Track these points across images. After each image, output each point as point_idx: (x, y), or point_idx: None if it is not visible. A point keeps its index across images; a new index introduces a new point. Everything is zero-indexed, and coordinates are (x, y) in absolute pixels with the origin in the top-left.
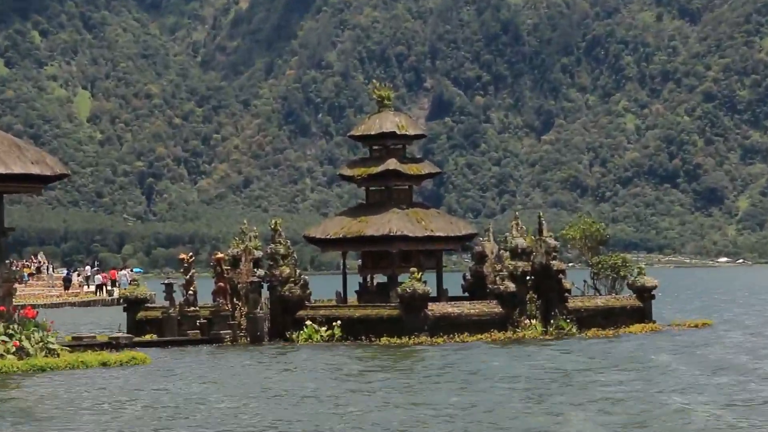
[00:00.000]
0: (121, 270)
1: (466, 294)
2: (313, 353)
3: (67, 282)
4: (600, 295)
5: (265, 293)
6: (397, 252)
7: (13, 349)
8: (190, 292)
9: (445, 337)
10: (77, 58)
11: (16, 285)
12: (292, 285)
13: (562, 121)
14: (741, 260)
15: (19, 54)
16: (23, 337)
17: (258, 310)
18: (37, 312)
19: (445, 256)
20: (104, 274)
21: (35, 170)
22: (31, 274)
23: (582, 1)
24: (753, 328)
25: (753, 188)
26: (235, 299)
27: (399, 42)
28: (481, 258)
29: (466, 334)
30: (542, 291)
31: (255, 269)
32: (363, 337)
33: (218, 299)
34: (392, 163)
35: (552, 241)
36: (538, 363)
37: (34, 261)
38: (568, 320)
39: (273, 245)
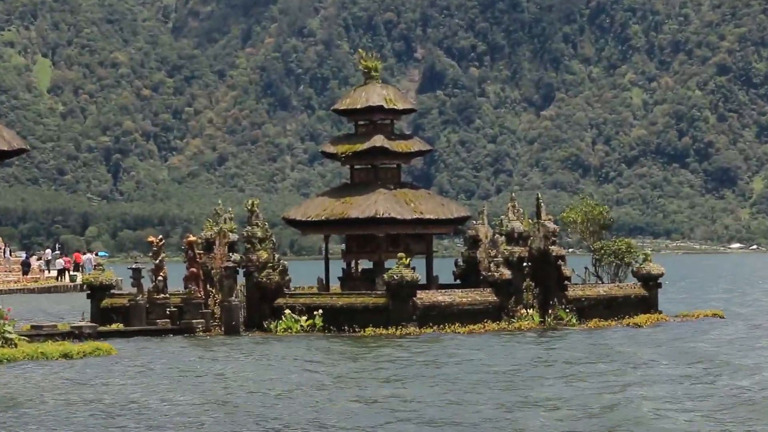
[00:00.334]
0: (84, 254)
1: (458, 281)
2: (288, 345)
3: (25, 266)
4: (602, 283)
5: (240, 279)
6: (384, 236)
7: None
8: (160, 278)
9: (435, 327)
10: (37, 22)
11: None
12: (270, 271)
13: (564, 95)
14: (755, 246)
15: None
16: None
17: (233, 297)
18: None
19: (435, 240)
20: (66, 258)
21: None
22: None
23: None
24: (762, 318)
25: None
26: (208, 286)
27: (387, 8)
28: (474, 243)
29: (457, 324)
30: (540, 278)
31: (230, 253)
32: (346, 328)
33: (190, 286)
34: (379, 140)
35: (551, 225)
36: (509, 354)
37: None
38: (568, 310)
39: (249, 228)
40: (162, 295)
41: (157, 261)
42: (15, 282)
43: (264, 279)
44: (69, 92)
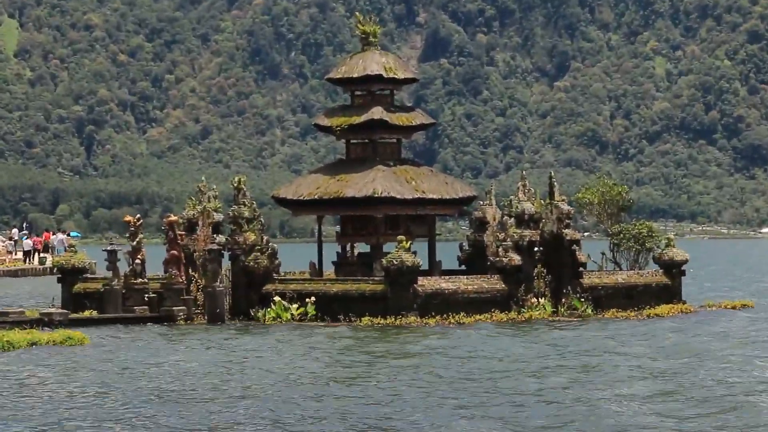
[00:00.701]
0: (55, 233)
1: (463, 267)
2: (264, 336)
3: None
4: (621, 270)
5: (226, 263)
6: (383, 217)
7: None
8: (137, 261)
9: (437, 317)
10: None
11: None
12: (258, 254)
13: (579, 64)
14: None
15: None
16: None
17: (217, 283)
18: None
19: (438, 222)
20: (36, 238)
21: None
22: None
23: None
24: None
25: None
26: (190, 270)
27: None
28: (481, 225)
29: (462, 314)
30: (552, 265)
31: (214, 235)
32: (341, 317)
33: (170, 270)
34: (378, 112)
35: (565, 207)
36: (479, 347)
37: None
38: (583, 299)
39: (236, 207)
40: (140, 280)
41: (135, 243)
42: None
43: (251, 263)
44: (38, 57)
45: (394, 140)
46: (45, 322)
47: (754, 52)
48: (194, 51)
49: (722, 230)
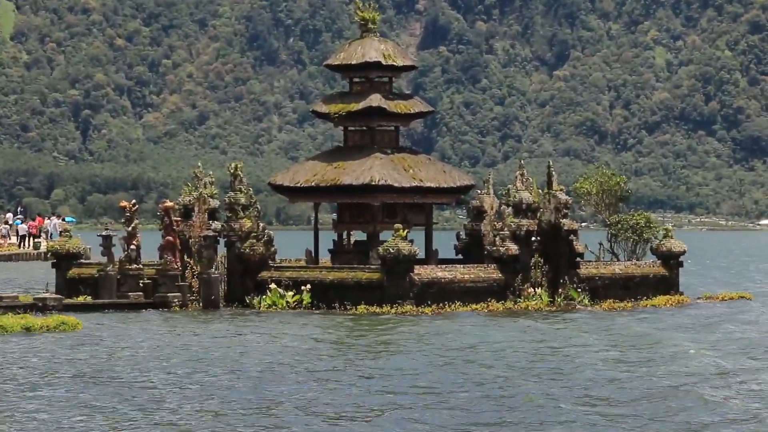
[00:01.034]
0: (49, 218)
1: (460, 256)
2: (244, 323)
3: None
4: (618, 260)
5: (221, 250)
6: (380, 205)
7: None
8: (132, 246)
9: (434, 306)
10: None
11: None
12: (254, 241)
13: (579, 53)
14: None
15: None
16: None
17: (213, 269)
18: None
19: (435, 211)
20: (31, 223)
21: None
22: None
23: None
24: None
25: None
26: (185, 256)
27: None
28: (478, 214)
29: (458, 303)
30: (550, 255)
31: (210, 221)
32: (337, 305)
33: (166, 256)
34: (376, 99)
35: (563, 196)
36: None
37: None
38: (580, 290)
39: (232, 193)
40: (135, 266)
41: (130, 228)
42: None
43: (247, 250)
44: (34, 40)
45: (392, 128)
46: (39, 307)
47: (755, 42)
48: (192, 36)
49: (720, 222)
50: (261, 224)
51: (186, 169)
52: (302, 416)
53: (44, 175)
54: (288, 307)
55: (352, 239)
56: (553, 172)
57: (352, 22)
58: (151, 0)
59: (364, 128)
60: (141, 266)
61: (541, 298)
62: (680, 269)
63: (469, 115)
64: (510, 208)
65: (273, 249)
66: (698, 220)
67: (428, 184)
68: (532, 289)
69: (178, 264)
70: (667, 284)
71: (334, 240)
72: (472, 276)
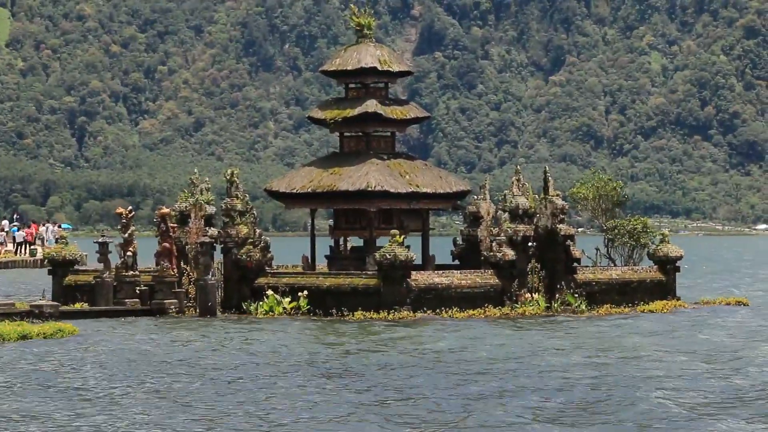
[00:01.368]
0: (43, 224)
1: (457, 262)
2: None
3: None
4: (615, 266)
5: (218, 256)
6: (376, 211)
7: None
8: (129, 253)
9: (430, 312)
10: None
11: None
12: (251, 247)
13: (575, 58)
14: None
15: None
16: None
17: (209, 276)
18: None
19: (432, 216)
20: (28, 230)
21: None
22: None
23: None
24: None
25: None
26: (182, 263)
27: None
28: (475, 220)
29: (455, 309)
30: (546, 260)
31: (206, 228)
32: (334, 311)
33: (162, 262)
34: (372, 105)
35: (559, 202)
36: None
37: None
38: (577, 295)
39: (228, 200)
40: (131, 273)
41: (126, 235)
42: None
43: (244, 256)
44: (30, 47)
45: (388, 134)
46: (35, 314)
47: (751, 47)
48: (187, 42)
49: (717, 227)
50: (257, 230)
51: (182, 175)
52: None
53: (40, 182)
54: (285, 313)
55: (349, 245)
56: (550, 178)
57: (347, 28)
58: (146, 6)
59: (360, 134)
60: (137, 273)
61: (538, 304)
62: (677, 274)
63: (465, 121)
64: (506, 214)
65: (269, 255)
66: (695, 225)
67: (425, 190)
68: (529, 295)
69: (175, 270)
70: (663, 289)
71: (330, 246)
72: (469, 282)
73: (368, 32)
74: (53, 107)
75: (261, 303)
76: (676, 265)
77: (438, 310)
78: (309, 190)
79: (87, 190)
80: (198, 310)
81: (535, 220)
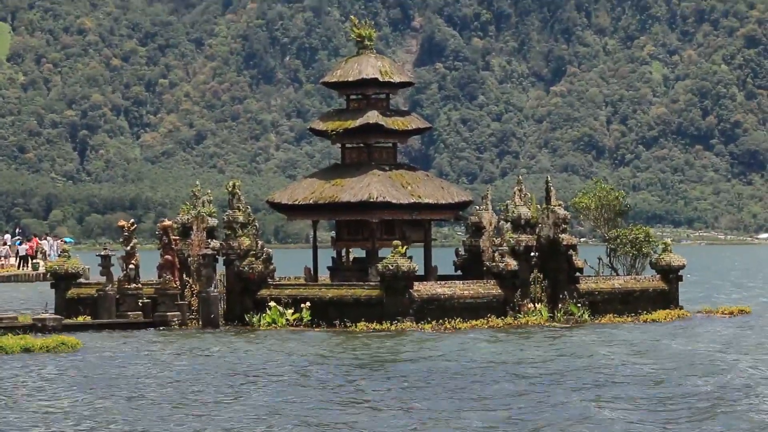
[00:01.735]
0: (44, 238)
1: (459, 272)
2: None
3: None
4: (617, 275)
5: (220, 268)
6: (378, 222)
7: None
8: (131, 266)
9: (433, 322)
10: None
11: None
12: (253, 259)
13: (576, 69)
14: None
15: None
16: None
17: (212, 288)
18: None
19: (434, 227)
20: (29, 244)
21: None
22: None
23: None
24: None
25: None
26: (184, 275)
27: None
28: (477, 230)
29: (458, 319)
30: (549, 270)
31: (209, 240)
32: (336, 322)
33: (164, 275)
34: (373, 116)
35: (561, 212)
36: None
37: None
38: (579, 305)
39: (230, 212)
40: (134, 285)
41: (129, 248)
42: None
43: (246, 268)
44: (30, 61)
45: (390, 145)
46: (38, 327)
47: (752, 56)
48: (188, 55)
49: (719, 236)
50: (259, 242)
51: (184, 188)
52: None
53: (42, 196)
54: (288, 324)
55: (351, 256)
56: (551, 188)
57: (348, 40)
58: (147, 20)
59: (362, 145)
60: (140, 285)
61: (541, 314)
62: (679, 283)
63: (466, 132)
64: (509, 224)
65: (272, 267)
66: (697, 234)
67: (426, 201)
68: (532, 305)
69: (177, 283)
70: (666, 298)
71: (332, 257)
72: (471, 292)
73: (369, 44)
74: (54, 121)
75: (263, 315)
76: (679, 274)
77: (440, 321)
78: (311, 201)
79: (89, 203)
80: (201, 323)
81: (537, 230)
